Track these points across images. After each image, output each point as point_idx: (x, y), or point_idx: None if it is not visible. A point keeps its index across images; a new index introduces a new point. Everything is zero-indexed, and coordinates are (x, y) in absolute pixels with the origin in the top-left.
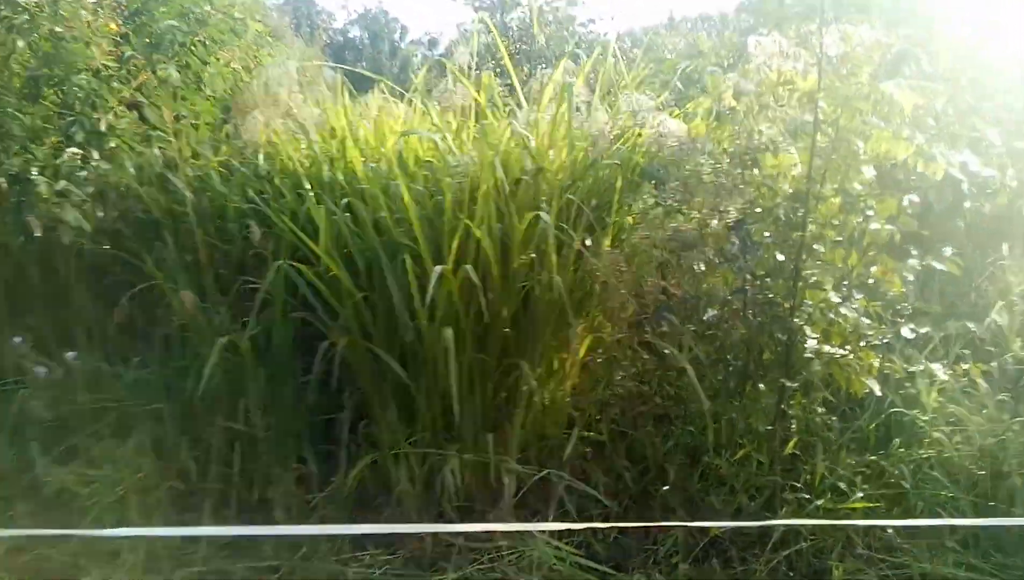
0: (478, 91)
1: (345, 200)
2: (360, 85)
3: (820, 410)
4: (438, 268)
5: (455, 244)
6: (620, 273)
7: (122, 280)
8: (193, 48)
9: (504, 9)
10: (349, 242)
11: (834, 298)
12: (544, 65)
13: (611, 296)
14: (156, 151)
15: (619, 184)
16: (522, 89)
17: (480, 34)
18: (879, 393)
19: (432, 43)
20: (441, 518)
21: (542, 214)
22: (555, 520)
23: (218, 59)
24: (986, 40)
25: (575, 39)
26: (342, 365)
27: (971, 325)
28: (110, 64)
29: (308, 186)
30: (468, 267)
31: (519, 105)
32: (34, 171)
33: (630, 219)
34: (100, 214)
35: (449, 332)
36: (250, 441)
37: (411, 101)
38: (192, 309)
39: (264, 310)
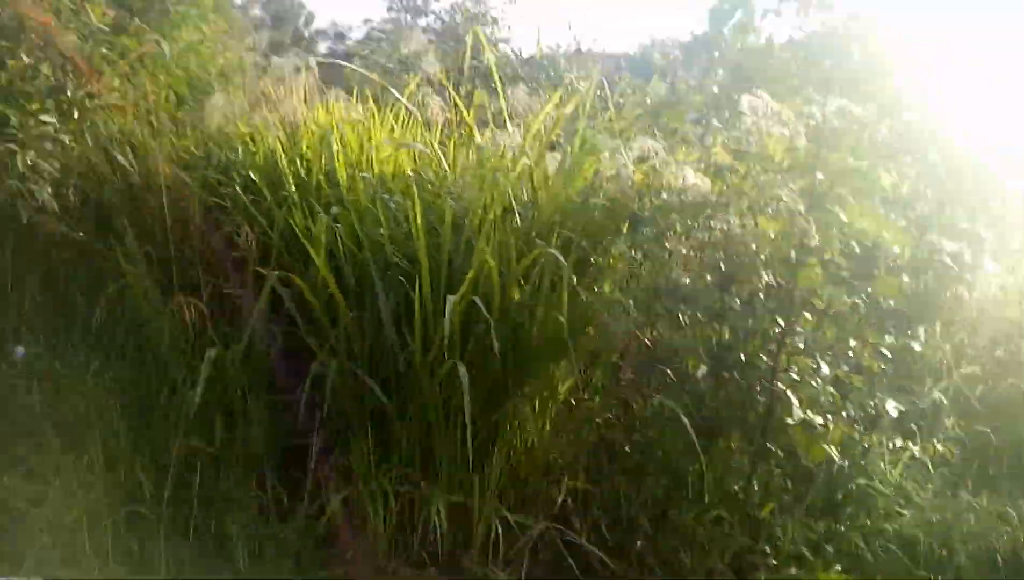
0: (468, 109)
1: (334, 210)
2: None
3: (777, 472)
4: (451, 298)
5: (471, 273)
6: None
7: (74, 265)
8: (182, 20)
9: (415, 12)
10: (341, 257)
11: (825, 369)
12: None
13: (609, 339)
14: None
15: (624, 227)
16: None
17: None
18: (839, 462)
19: (339, 36)
20: (418, 563)
21: (555, 252)
22: (539, 572)
23: (202, 34)
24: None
25: (517, 61)
26: (319, 387)
27: (916, 402)
28: (105, 28)
29: (293, 189)
30: (476, 299)
31: (501, 127)
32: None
33: (615, 262)
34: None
35: (463, 368)
36: (213, 460)
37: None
38: (186, 321)
39: (237, 318)
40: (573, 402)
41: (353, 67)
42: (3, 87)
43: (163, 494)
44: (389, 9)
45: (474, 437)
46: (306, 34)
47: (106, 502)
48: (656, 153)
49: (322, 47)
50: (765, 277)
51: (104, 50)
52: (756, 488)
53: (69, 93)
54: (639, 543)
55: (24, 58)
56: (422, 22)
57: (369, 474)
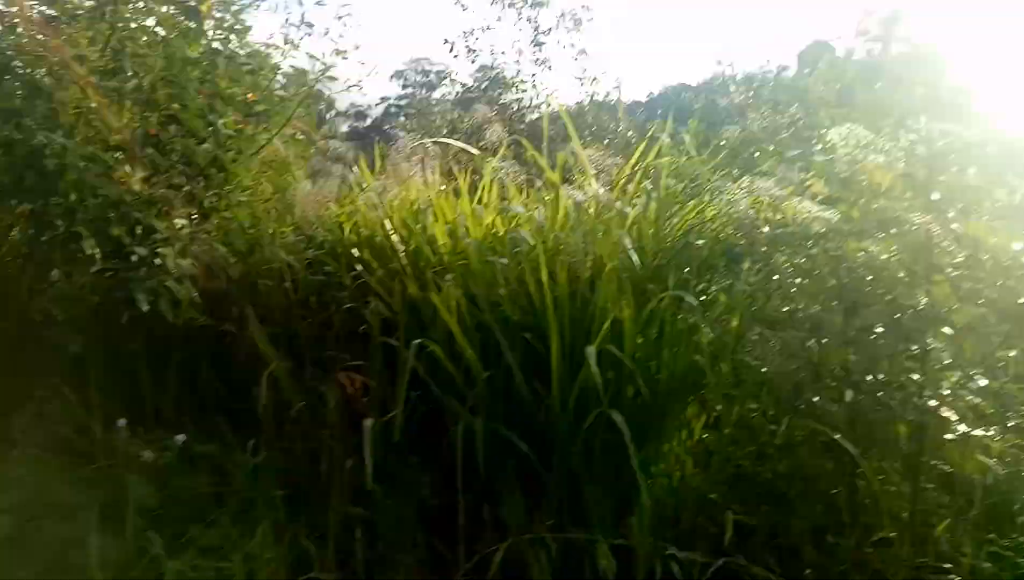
0: (553, 169)
1: (449, 276)
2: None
3: (932, 488)
4: (590, 349)
5: (606, 323)
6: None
7: (209, 354)
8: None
9: (429, 86)
10: (465, 321)
11: (982, 381)
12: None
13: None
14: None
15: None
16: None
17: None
18: (1000, 473)
19: (359, 115)
20: None
21: (686, 296)
22: None
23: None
24: None
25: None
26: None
27: None
28: (232, 133)
29: (405, 261)
30: (611, 347)
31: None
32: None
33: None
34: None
35: (618, 415)
36: (368, 526)
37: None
38: (354, 394)
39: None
40: (706, 436)
41: (455, 143)
42: (142, 196)
43: (327, 560)
44: (404, 86)
45: (619, 479)
46: (327, 117)
47: (283, 572)
48: (768, 190)
49: (343, 126)
50: (892, 297)
51: (231, 154)
52: (918, 507)
53: (195, 198)
54: (807, 571)
55: (130, 170)
56: (436, 94)
57: (523, 525)
